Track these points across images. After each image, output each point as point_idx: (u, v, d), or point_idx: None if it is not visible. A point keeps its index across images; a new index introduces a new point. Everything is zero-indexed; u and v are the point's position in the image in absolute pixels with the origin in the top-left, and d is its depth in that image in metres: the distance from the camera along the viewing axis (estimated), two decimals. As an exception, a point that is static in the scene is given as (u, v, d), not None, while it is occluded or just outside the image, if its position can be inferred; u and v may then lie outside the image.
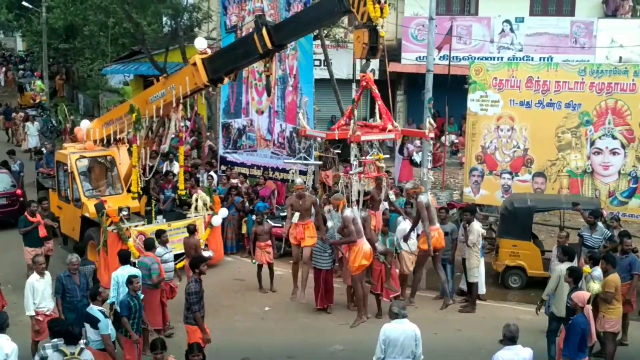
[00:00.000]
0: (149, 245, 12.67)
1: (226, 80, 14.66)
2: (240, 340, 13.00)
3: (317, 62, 22.51)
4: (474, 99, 17.88)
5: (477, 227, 14.34)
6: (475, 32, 27.37)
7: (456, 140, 26.79)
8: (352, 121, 12.72)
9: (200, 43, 14.47)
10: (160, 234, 13.19)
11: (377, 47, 11.70)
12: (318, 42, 22.26)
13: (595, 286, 11.46)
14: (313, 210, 14.83)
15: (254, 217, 16.18)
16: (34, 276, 11.59)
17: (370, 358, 9.65)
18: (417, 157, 22.81)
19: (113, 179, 17.02)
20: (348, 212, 12.95)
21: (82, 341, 9.46)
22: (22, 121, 30.12)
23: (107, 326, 10.28)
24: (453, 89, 21.69)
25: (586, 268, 11.96)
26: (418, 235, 14.46)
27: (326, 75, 23.41)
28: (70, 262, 11.68)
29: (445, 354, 12.09)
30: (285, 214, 17.51)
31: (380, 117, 13.49)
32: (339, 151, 23.55)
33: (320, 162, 20.62)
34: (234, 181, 18.75)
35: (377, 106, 13.52)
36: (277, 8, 18.83)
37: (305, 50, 18.70)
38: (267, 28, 12.70)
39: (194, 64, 13.92)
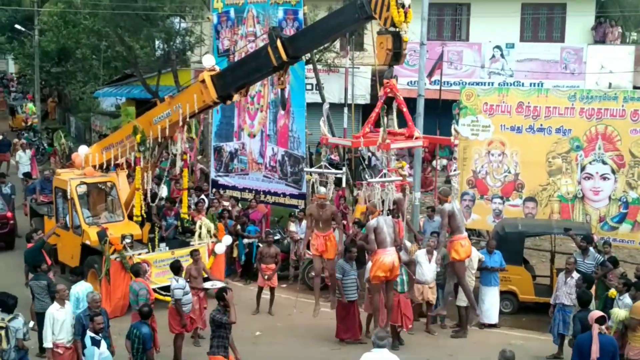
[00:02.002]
0: (137, 272, 12.46)
1: (236, 96, 14.50)
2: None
3: (309, 86, 22.56)
4: (464, 124, 17.85)
5: (475, 252, 14.34)
6: (466, 57, 27.55)
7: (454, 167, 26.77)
8: (381, 129, 12.28)
9: (208, 60, 14.40)
10: (177, 265, 12.80)
11: (400, 53, 11.46)
12: (310, 66, 22.33)
13: (622, 313, 11.34)
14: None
15: (245, 240, 16.17)
16: (55, 306, 10.99)
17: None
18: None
19: (114, 205, 16.69)
20: (373, 221, 12.65)
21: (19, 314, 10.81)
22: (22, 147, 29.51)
23: (93, 355, 9.94)
24: (444, 113, 21.78)
25: (612, 291, 11.94)
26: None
27: (318, 99, 23.46)
28: (92, 299, 10.80)
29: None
30: (278, 237, 17.52)
31: (407, 125, 13.01)
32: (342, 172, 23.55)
33: (342, 172, 20.49)
34: (226, 204, 18.70)
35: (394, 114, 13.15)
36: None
37: (298, 74, 18.74)
38: (281, 40, 12.63)
39: (203, 81, 13.77)
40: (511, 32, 28.56)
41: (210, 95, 13.72)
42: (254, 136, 20.29)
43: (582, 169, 17.30)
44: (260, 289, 15.42)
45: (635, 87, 25.66)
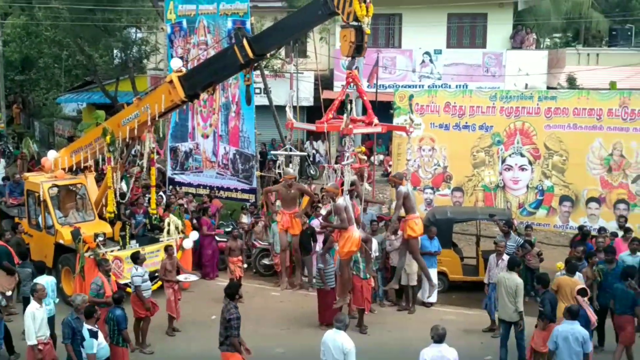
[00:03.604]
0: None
1: (203, 95, 14.32)
2: (190, 346, 12.83)
3: (257, 90, 22.48)
4: (399, 123, 17.98)
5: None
6: (399, 62, 27.74)
7: (390, 162, 26.99)
8: (345, 115, 12.11)
9: (176, 62, 14.22)
10: (136, 255, 12.76)
11: (362, 46, 11.36)
12: (258, 72, 22.22)
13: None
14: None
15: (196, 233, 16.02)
16: (34, 304, 10.58)
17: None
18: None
19: (85, 205, 16.15)
20: (340, 200, 12.43)
21: None
22: None
23: (92, 346, 9.69)
24: (380, 114, 21.83)
25: (559, 264, 12.14)
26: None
27: (266, 102, 23.36)
28: (83, 301, 10.35)
29: (379, 352, 12.13)
30: (230, 228, 17.45)
31: (366, 113, 12.87)
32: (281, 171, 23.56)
33: (305, 153, 20.41)
34: (181, 201, 18.51)
35: (357, 103, 13.18)
36: (219, 40, 18.77)
37: (246, 79, 18.67)
38: (247, 39, 12.48)
39: (170, 82, 13.54)
40: (439, 40, 28.75)
41: (179, 94, 13.50)
42: (207, 137, 20.16)
43: (503, 161, 17.59)
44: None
45: (548, 88, 26.15)
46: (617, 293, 11.65)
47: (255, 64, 14.37)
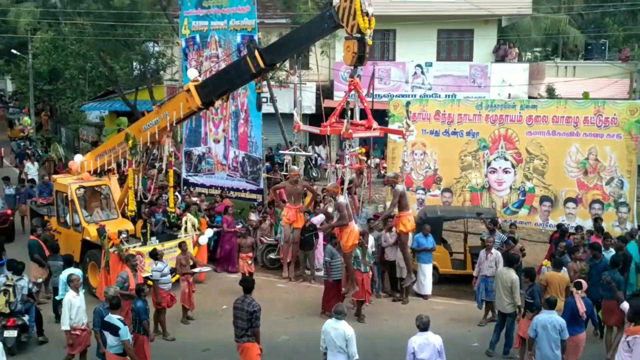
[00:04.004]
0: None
1: (218, 102, 14.22)
2: (201, 333, 12.81)
3: (264, 99, 22.41)
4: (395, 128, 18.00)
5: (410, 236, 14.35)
6: (393, 74, 27.72)
7: (384, 165, 26.95)
8: (345, 120, 12.06)
9: (192, 73, 14.12)
10: (154, 252, 12.73)
11: (364, 56, 11.30)
12: (264, 82, 22.20)
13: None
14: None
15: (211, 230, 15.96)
16: (71, 293, 10.62)
17: (311, 345, 9.54)
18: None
19: (109, 205, 15.96)
20: (342, 198, 12.41)
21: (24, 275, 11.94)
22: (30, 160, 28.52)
23: (127, 333, 9.65)
24: (376, 121, 21.77)
25: (546, 262, 12.09)
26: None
27: (272, 110, 23.35)
28: (109, 293, 10.36)
29: (375, 339, 12.11)
30: (240, 225, 17.39)
31: (366, 117, 12.80)
32: (285, 173, 23.53)
33: (310, 153, 20.38)
34: (195, 199, 18.47)
35: (359, 108, 12.92)
36: (230, 54, 18.75)
37: (254, 89, 18.57)
38: (259, 51, 12.39)
39: (188, 90, 13.44)
40: (429, 53, 28.77)
41: (196, 102, 13.40)
42: (219, 141, 20.11)
43: (488, 164, 17.57)
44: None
45: (530, 97, 26.12)
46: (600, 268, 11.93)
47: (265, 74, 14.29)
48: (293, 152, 16.63)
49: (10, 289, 11.59)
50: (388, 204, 18.37)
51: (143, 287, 10.84)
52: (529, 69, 28.38)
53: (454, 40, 29.66)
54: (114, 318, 9.67)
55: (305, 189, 15.61)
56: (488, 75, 27.48)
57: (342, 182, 12.76)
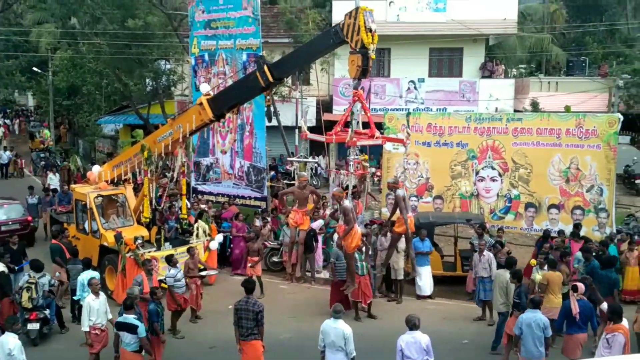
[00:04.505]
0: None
1: (228, 115, 14.16)
2: (208, 332, 12.77)
3: (267, 113, 22.53)
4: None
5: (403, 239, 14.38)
6: (388, 89, 27.77)
7: (378, 173, 26.95)
8: (350, 129, 11.99)
9: (204, 87, 14.13)
10: (170, 258, 12.64)
11: (367, 69, 11.25)
12: (268, 97, 22.26)
13: (537, 277, 11.69)
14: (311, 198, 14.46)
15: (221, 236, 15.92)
16: (91, 296, 10.63)
17: (311, 343, 9.52)
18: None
19: (125, 212, 15.86)
20: (347, 202, 12.34)
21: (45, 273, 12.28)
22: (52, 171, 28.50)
23: (144, 330, 9.65)
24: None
25: (533, 261, 12.06)
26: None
27: (275, 123, 23.41)
28: (135, 292, 10.45)
29: (371, 337, 12.05)
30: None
31: (370, 126, 12.73)
32: (287, 182, 23.55)
33: (315, 160, 20.36)
34: (203, 206, 18.48)
35: (365, 118, 12.79)
36: (236, 71, 18.81)
37: (259, 103, 18.68)
38: (267, 66, 12.38)
39: (200, 104, 13.42)
40: (421, 70, 28.83)
41: (208, 114, 13.40)
42: (225, 152, 20.15)
43: (477, 173, 17.58)
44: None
45: (515, 111, 26.15)
46: (601, 279, 11.94)
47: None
48: (301, 160, 16.70)
49: (33, 286, 11.81)
50: (384, 210, 18.41)
51: (156, 290, 10.81)
52: (515, 84, 28.46)
53: (445, 58, 29.74)
54: (129, 318, 9.65)
55: (311, 193, 15.53)
56: (476, 90, 27.53)
57: (346, 188, 12.69)
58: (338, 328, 8.99)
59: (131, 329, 9.57)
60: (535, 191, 17.04)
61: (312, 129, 24.83)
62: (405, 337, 8.77)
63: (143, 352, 9.85)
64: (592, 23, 39.20)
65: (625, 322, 9.37)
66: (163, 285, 12.66)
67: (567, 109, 25.20)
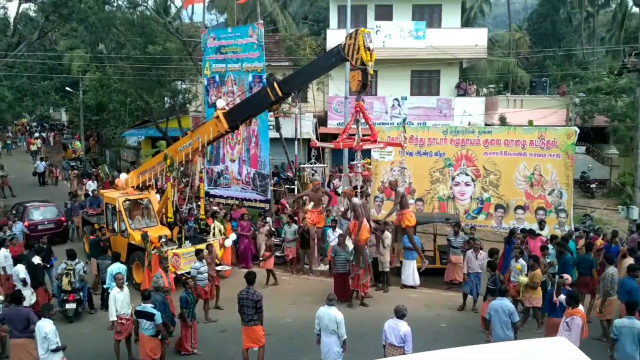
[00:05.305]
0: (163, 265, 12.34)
1: (241, 127, 14.01)
2: (220, 317, 12.71)
3: (271, 127, 22.53)
4: (376, 150, 17.89)
5: (389, 235, 14.36)
6: (375, 106, 27.83)
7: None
8: (356, 135, 11.83)
9: (220, 103, 14.05)
10: (199, 252, 12.62)
11: (367, 83, 11.11)
12: (272, 113, 22.25)
13: (524, 279, 11.63)
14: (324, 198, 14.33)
15: (234, 235, 15.81)
16: (115, 289, 10.54)
17: (309, 327, 9.51)
18: (340, 190, 22.85)
19: (149, 214, 15.76)
20: (356, 199, 12.19)
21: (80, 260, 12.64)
22: (76, 177, 28.38)
23: (160, 317, 9.61)
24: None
25: (518, 265, 11.93)
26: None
27: (277, 135, 23.42)
28: (160, 284, 10.52)
29: (361, 322, 12.05)
30: (252, 228, 17.24)
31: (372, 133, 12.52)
32: (288, 186, 23.54)
33: (325, 165, 20.31)
34: (214, 208, 18.45)
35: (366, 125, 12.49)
36: (243, 90, 18.83)
37: (263, 119, 18.72)
38: (277, 82, 12.34)
39: (217, 117, 13.34)
40: (404, 89, 28.94)
41: (224, 126, 13.32)
42: (234, 161, 20.15)
43: (453, 178, 17.57)
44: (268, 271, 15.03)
45: (486, 124, 26.25)
46: (580, 262, 12.50)
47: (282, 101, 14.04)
48: (313, 165, 16.61)
49: (71, 272, 12.32)
50: (373, 210, 18.40)
51: (188, 281, 10.82)
52: (485, 101, 28.55)
53: (424, 79, 29.85)
54: (147, 307, 9.66)
55: (324, 194, 15.39)
56: (452, 107, 27.60)
57: (355, 187, 12.47)
58: (331, 314, 8.96)
59: (149, 316, 9.57)
60: (503, 194, 17.05)
61: (309, 141, 24.78)
62: (390, 321, 8.72)
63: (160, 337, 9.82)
64: (551, 49, 39.43)
65: (581, 307, 9.41)
66: (184, 278, 12.61)
67: (531, 123, 25.32)
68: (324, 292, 13.12)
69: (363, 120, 12.12)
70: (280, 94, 12.34)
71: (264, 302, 9.74)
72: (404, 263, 14.62)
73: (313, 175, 16.52)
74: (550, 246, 13.12)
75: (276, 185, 22.44)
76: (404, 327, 8.55)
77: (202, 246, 13.90)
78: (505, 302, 9.67)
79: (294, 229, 15.72)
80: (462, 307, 13.04)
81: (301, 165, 19.02)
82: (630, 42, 33.39)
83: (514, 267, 12.10)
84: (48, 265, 13.56)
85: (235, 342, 10.30)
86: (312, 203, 14.64)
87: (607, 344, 9.86)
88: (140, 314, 9.66)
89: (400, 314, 8.68)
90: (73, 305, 12.42)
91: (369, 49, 10.82)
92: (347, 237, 13.34)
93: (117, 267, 11.86)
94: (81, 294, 12.58)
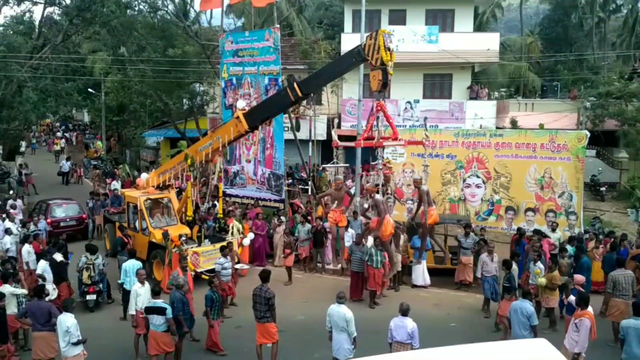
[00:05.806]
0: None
1: (261, 127, 13.87)
2: (235, 314, 12.76)
3: (286, 128, 22.59)
4: (388, 153, 17.86)
5: (401, 236, 14.26)
6: (389, 109, 27.51)
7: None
8: (376, 133, 11.73)
9: (241, 103, 13.99)
10: (224, 248, 12.64)
11: (387, 83, 11.01)
12: (286, 115, 22.32)
13: (543, 281, 11.58)
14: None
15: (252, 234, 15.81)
16: (137, 285, 10.58)
17: (321, 324, 9.52)
18: (352, 190, 22.80)
19: (170, 213, 15.71)
20: (378, 196, 12.09)
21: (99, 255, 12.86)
22: (97, 176, 28.64)
23: (171, 312, 9.63)
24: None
25: (537, 270, 11.84)
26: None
27: (291, 136, 23.46)
28: (179, 282, 10.39)
29: (375, 320, 12.03)
30: (267, 227, 17.26)
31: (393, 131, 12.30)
32: (302, 186, 23.57)
33: (347, 165, 20.40)
34: (231, 207, 18.51)
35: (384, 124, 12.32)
36: (260, 93, 18.89)
37: (278, 120, 18.73)
38: (297, 83, 12.30)
39: (237, 117, 13.27)
40: (417, 92, 28.80)
41: (244, 126, 13.25)
42: (250, 161, 20.21)
43: (464, 180, 17.52)
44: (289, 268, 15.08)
45: (497, 128, 26.03)
46: (606, 261, 12.77)
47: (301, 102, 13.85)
48: (336, 165, 16.60)
49: (91, 266, 12.72)
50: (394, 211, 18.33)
51: (213, 279, 10.87)
52: (497, 105, 28.35)
53: (437, 82, 29.69)
54: (158, 302, 9.70)
55: (346, 194, 15.32)
56: (464, 110, 27.43)
57: (377, 185, 12.37)
58: (340, 312, 8.96)
59: (160, 311, 9.58)
60: (514, 196, 16.94)
61: (323, 142, 24.76)
62: (395, 319, 8.74)
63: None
64: (563, 53, 39.03)
65: (590, 309, 9.29)
66: (204, 277, 12.65)
67: (541, 126, 25.06)
68: (336, 290, 13.08)
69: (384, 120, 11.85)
70: (300, 94, 12.27)
71: (277, 299, 9.76)
72: (416, 264, 14.53)
73: (335, 174, 16.45)
74: (568, 247, 13.01)
75: (290, 185, 22.46)
76: (410, 323, 8.59)
77: (223, 244, 13.86)
78: (525, 305, 9.54)
79: (307, 228, 15.73)
80: (486, 310, 12.72)
81: (323, 165, 19.01)
82: (641, 47, 32.92)
83: (533, 271, 11.95)
84: (67, 262, 13.74)
85: (250, 338, 10.34)
86: (336, 202, 14.55)
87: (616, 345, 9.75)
88: (151, 310, 9.68)
89: (403, 311, 8.71)
90: (93, 297, 12.85)
91: (389, 49, 10.72)
92: (367, 235, 13.29)
93: (133, 264, 11.92)
94: (101, 285, 13.01)
